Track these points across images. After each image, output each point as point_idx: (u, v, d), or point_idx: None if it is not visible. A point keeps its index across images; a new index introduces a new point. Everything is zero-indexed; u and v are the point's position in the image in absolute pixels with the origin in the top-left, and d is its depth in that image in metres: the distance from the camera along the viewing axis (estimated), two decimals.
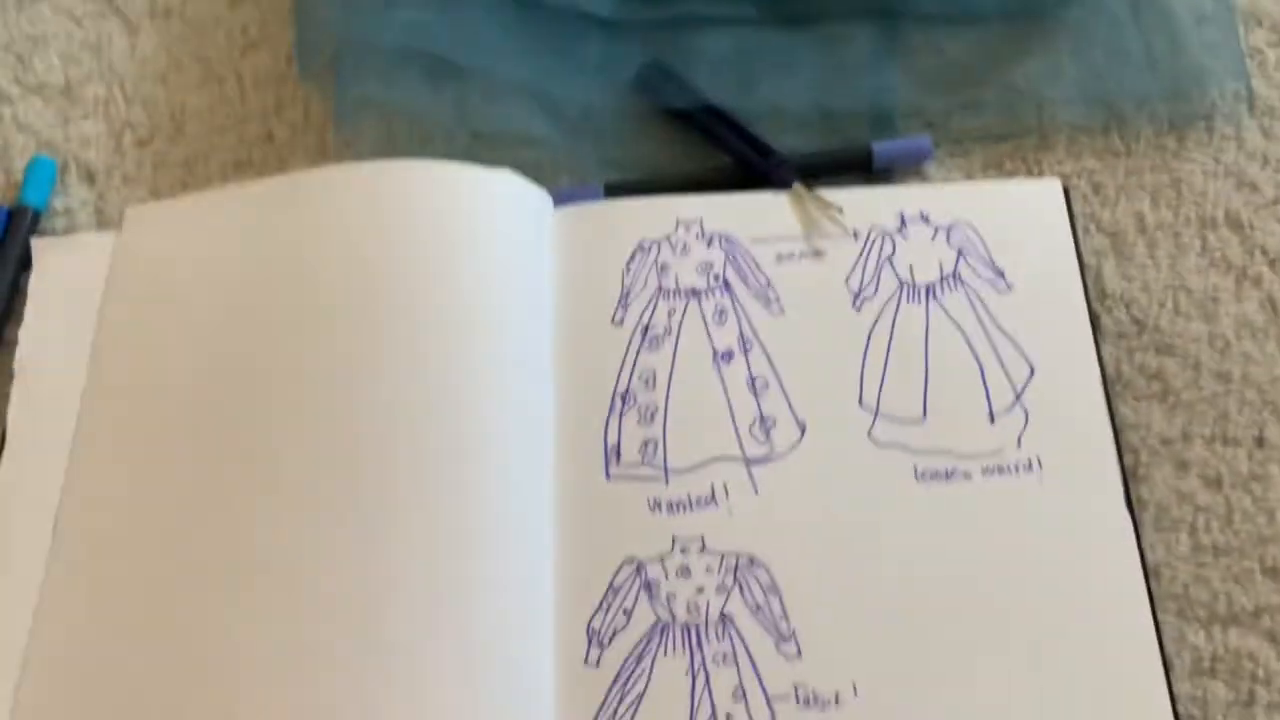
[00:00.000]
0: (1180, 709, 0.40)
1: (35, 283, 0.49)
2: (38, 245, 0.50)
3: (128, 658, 0.40)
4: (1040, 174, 0.50)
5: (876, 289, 0.47)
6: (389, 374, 0.43)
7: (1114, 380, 0.46)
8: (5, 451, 0.46)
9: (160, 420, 0.44)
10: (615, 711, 0.40)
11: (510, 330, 0.45)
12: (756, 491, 0.43)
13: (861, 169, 0.50)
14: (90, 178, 0.53)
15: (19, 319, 0.48)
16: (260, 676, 0.39)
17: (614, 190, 0.50)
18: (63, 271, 0.49)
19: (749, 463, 0.44)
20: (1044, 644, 0.41)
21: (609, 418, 0.45)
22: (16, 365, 0.47)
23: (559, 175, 0.51)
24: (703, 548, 0.43)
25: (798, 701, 0.40)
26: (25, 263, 0.50)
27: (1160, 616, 0.42)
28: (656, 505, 0.43)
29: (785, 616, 0.41)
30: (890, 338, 0.46)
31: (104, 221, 0.51)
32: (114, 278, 0.48)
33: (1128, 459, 0.44)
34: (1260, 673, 0.41)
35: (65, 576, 0.42)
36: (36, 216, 0.51)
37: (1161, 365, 0.46)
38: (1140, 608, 0.41)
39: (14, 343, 0.48)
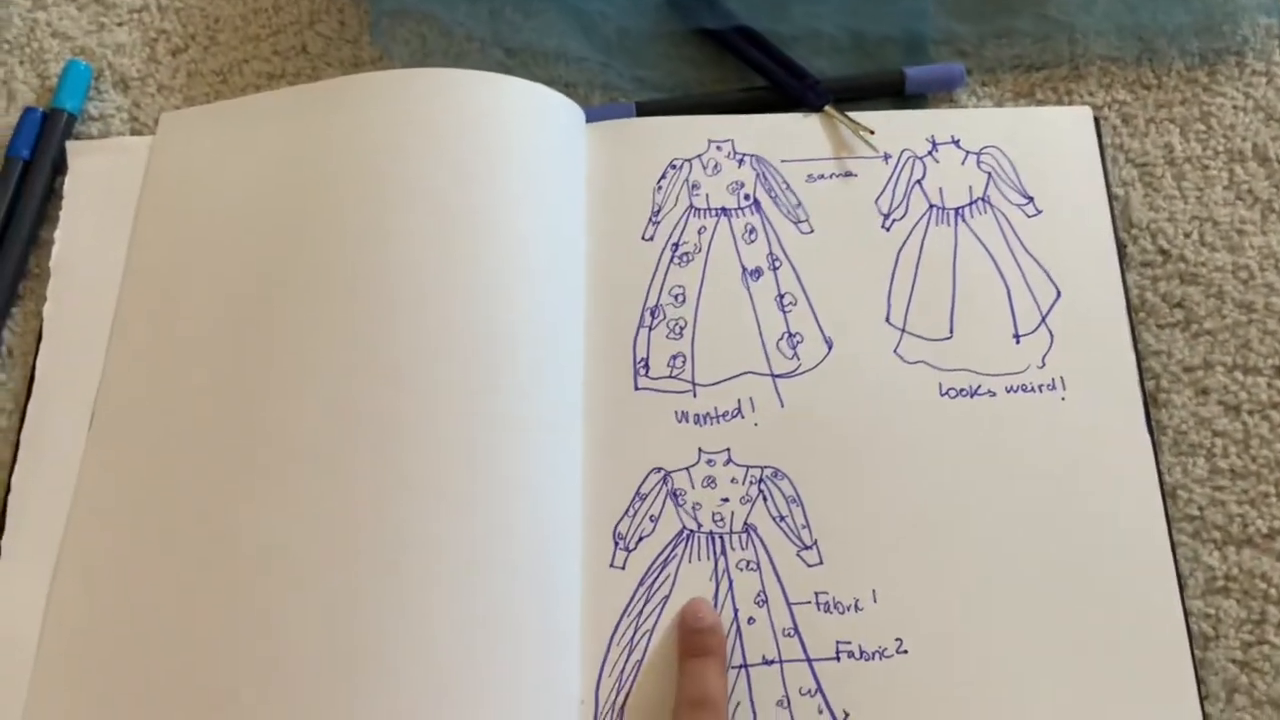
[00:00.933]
0: (1193, 625, 0.41)
1: (70, 184, 0.49)
2: (73, 148, 0.50)
3: (158, 544, 0.41)
4: (1071, 104, 0.50)
5: (906, 210, 0.47)
6: (420, 279, 0.44)
7: (1137, 308, 0.46)
8: (42, 347, 0.46)
9: (194, 316, 0.45)
10: (640, 612, 0.41)
11: (542, 241, 0.45)
12: (783, 405, 0.44)
13: (893, 94, 0.51)
14: (124, 85, 0.53)
15: (54, 220, 0.49)
16: (287, 566, 0.40)
17: (646, 110, 0.50)
18: (98, 173, 0.49)
19: (775, 377, 0.45)
20: (1061, 559, 0.41)
21: (638, 331, 0.46)
22: (53, 264, 0.48)
23: (592, 94, 0.51)
24: (728, 459, 0.43)
25: (818, 607, 0.41)
26: (60, 166, 0.50)
27: (1175, 537, 0.42)
28: (684, 417, 0.44)
29: (808, 526, 0.42)
30: (919, 258, 0.46)
31: (138, 129, 0.52)
32: (150, 180, 0.49)
33: (1148, 384, 0.45)
34: (1272, 593, 0.42)
35: (100, 466, 0.43)
36: (71, 120, 0.51)
37: (1185, 294, 0.47)
38: (1156, 526, 0.42)
39: (50, 243, 0.48)
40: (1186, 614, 0.41)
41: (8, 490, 0.44)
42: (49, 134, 0.51)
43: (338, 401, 0.42)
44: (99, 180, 0.49)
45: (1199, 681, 0.40)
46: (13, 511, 0.43)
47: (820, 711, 0.40)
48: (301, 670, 0.38)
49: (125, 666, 0.40)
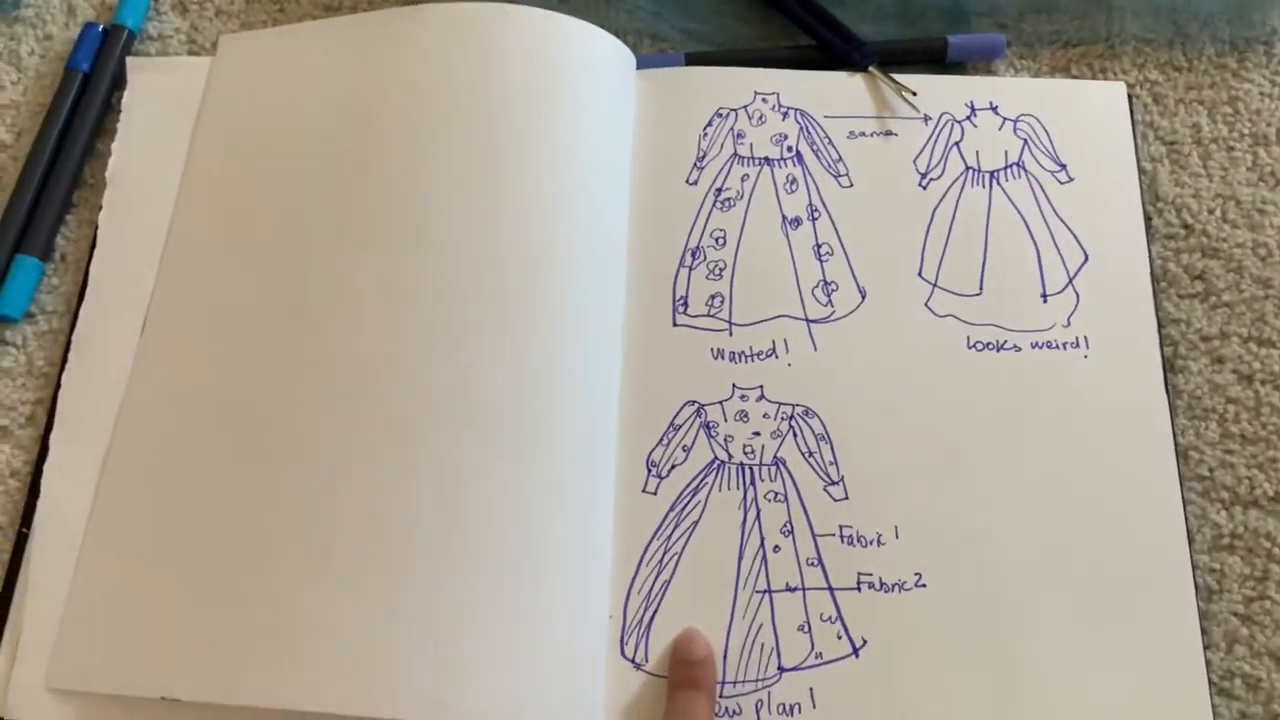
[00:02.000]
0: (1199, 578, 0.43)
1: (129, 98, 0.50)
2: (133, 64, 0.51)
3: (206, 437, 0.43)
4: (1106, 81, 0.52)
5: (943, 170, 0.49)
6: (470, 204, 0.45)
7: (1160, 277, 0.48)
8: (95, 254, 0.48)
9: (247, 231, 0.46)
10: (670, 535, 0.43)
11: (590, 177, 0.47)
12: (815, 348, 0.46)
13: (934, 61, 0.52)
14: (183, 8, 0.54)
15: (110, 133, 0.50)
16: (332, 466, 0.41)
17: (695, 61, 0.51)
18: (156, 90, 0.50)
19: (810, 322, 0.46)
20: (1076, 509, 0.43)
21: (678, 270, 0.47)
22: (109, 175, 0.49)
23: (641, 42, 0.53)
24: (761, 396, 0.45)
25: (842, 540, 0.43)
26: (118, 81, 0.51)
27: (1186, 495, 0.44)
28: (719, 354, 0.46)
29: (835, 463, 0.44)
30: (953, 217, 0.48)
31: (194, 50, 0.53)
32: (208, 99, 0.50)
33: (1166, 351, 0.47)
34: (1275, 551, 0.44)
35: (151, 368, 0.45)
36: (131, 37, 0.52)
37: (1206, 267, 0.48)
38: (1169, 483, 0.44)
39: (105, 154, 0.50)
40: (1194, 567, 0.43)
41: (58, 388, 0.45)
42: (108, 49, 0.52)
43: (388, 317, 0.43)
44: (157, 96, 0.50)
45: (1202, 631, 0.42)
46: (63, 409, 0.45)
47: (839, 637, 0.41)
48: (345, 565, 0.40)
49: (168, 551, 0.41)
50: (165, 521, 0.42)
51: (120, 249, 0.47)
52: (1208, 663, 0.41)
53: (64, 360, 0.46)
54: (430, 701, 0.38)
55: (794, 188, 0.49)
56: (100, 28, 0.52)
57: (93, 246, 0.48)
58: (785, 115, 0.50)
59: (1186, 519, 0.43)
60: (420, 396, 0.42)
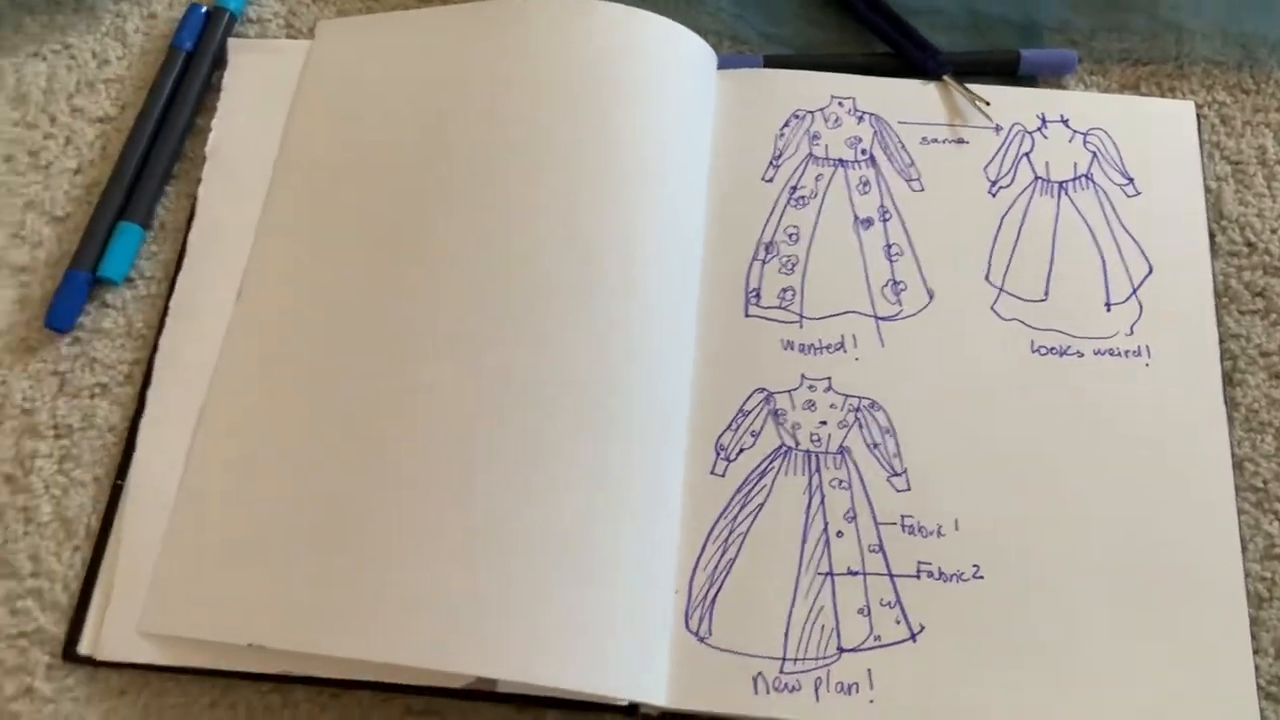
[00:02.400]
0: (1249, 586, 0.44)
1: (230, 78, 0.53)
2: (234, 44, 0.53)
3: (300, 401, 0.45)
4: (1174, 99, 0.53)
5: (1013, 179, 0.50)
6: (556, 195, 0.47)
7: (1221, 293, 0.49)
8: (194, 224, 0.50)
9: (342, 210, 0.48)
10: (736, 516, 0.44)
11: (671, 170, 0.49)
12: (883, 345, 0.47)
13: (1006, 73, 0.53)
14: None
15: (210, 110, 0.52)
16: (421, 432, 0.43)
17: (773, 63, 0.53)
18: (256, 70, 0.53)
19: (878, 319, 0.48)
20: (1133, 512, 0.44)
21: (752, 263, 0.49)
22: (208, 149, 0.51)
23: (721, 43, 0.54)
24: (829, 387, 0.46)
25: (903, 529, 0.44)
26: (219, 60, 0.54)
27: (1240, 504, 0.45)
28: (789, 345, 0.47)
29: (899, 455, 0.45)
30: (1021, 224, 0.49)
31: (292, 34, 0.55)
32: (305, 81, 0.52)
33: (1226, 364, 0.48)
34: None
35: (246, 333, 0.47)
36: (232, 19, 0.54)
37: (1267, 284, 0.49)
38: (1224, 492, 0.45)
39: (206, 130, 0.52)
40: (1245, 575, 0.44)
41: (154, 351, 0.48)
42: (211, 30, 0.54)
43: (478, 295, 0.45)
44: (257, 76, 0.53)
45: (1252, 637, 0.43)
46: (159, 369, 0.47)
47: (898, 622, 0.43)
48: (431, 527, 0.41)
49: (258, 505, 0.43)
50: (256, 477, 0.44)
51: (217, 219, 0.49)
52: (1256, 668, 0.43)
53: (161, 323, 0.48)
54: (507, 661, 0.39)
55: (866, 189, 0.50)
56: (203, 9, 0.55)
57: (191, 216, 0.50)
58: (860, 119, 0.51)
59: (1240, 528, 0.44)
60: (506, 374, 0.44)
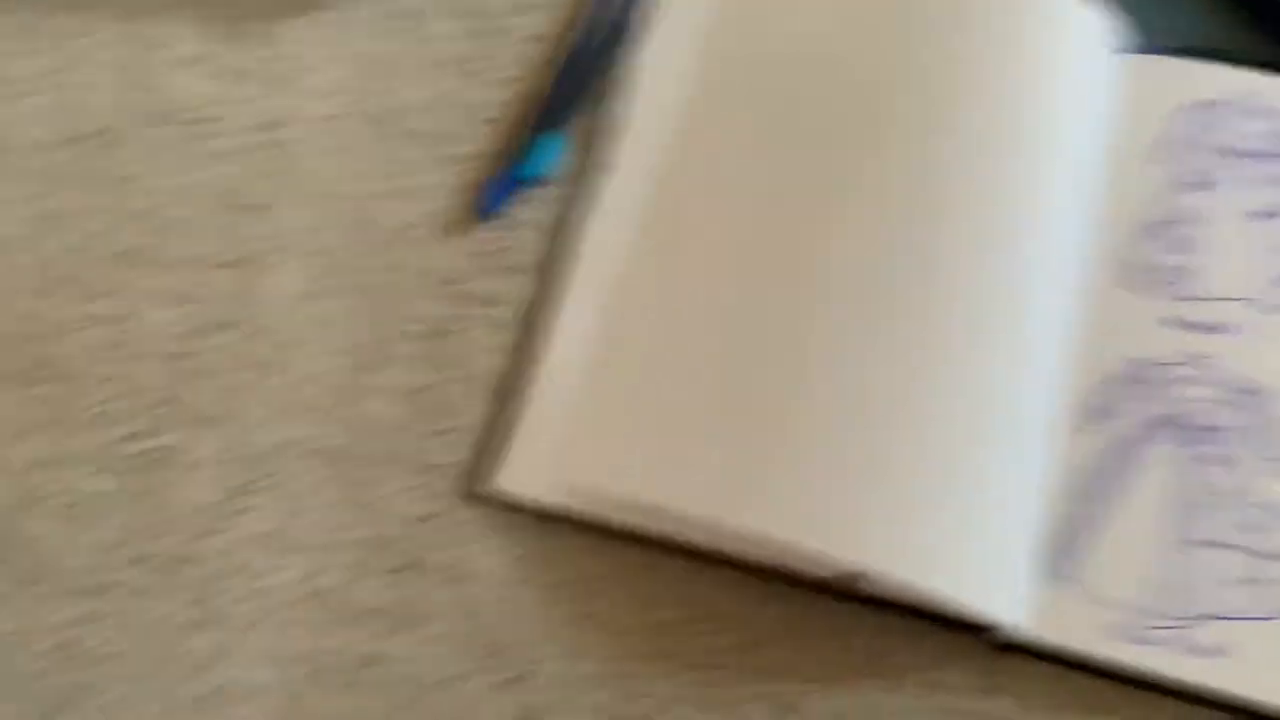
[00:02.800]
0: None
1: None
2: None
3: (708, 297, 0.49)
4: None
5: None
6: (963, 159, 0.50)
7: None
8: (619, 134, 0.55)
9: (757, 131, 0.53)
10: (1107, 476, 0.46)
11: (1070, 147, 0.51)
12: (1265, 333, 0.48)
13: None
14: None
15: (639, 33, 0.57)
16: (838, 335, 0.47)
17: (1172, 53, 0.54)
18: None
19: (1264, 308, 0.48)
20: None
21: (1138, 241, 0.50)
22: (637, 67, 0.56)
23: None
24: (1208, 367, 0.47)
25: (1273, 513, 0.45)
26: None
27: None
28: (1169, 322, 0.48)
29: (1276, 442, 0.46)
30: None
31: None
32: (724, 11, 0.56)
33: None
34: None
35: (660, 235, 0.52)
36: None
37: None
38: None
39: (634, 51, 0.57)
40: None
41: (567, 242, 0.53)
42: None
43: (882, 242, 0.48)
44: (686, 3, 0.57)
45: None
46: (584, 254, 0.52)
47: (1265, 598, 0.43)
48: (830, 417, 0.45)
49: (669, 375, 0.48)
50: (667, 352, 0.48)
51: (639, 132, 0.54)
52: None
53: (580, 218, 0.53)
54: (890, 555, 0.43)
55: (1266, 183, 0.51)
56: None
57: (614, 128, 0.55)
58: (1264, 115, 0.52)
59: None
60: (912, 296, 0.47)
